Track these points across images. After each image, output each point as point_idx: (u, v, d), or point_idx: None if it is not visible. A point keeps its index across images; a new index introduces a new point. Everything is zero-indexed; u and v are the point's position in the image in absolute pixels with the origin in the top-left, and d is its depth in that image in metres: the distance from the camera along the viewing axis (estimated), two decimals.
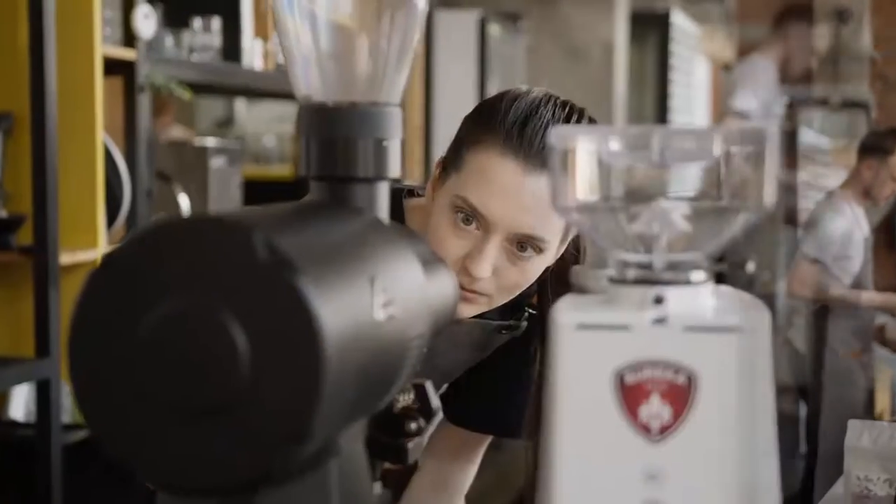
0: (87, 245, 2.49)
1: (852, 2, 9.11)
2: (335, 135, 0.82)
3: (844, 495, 1.94)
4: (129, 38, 2.64)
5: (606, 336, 0.70)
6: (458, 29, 4.89)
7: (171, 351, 0.62)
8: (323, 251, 0.67)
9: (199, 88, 3.12)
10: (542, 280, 1.33)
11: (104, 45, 2.53)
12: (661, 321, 0.69)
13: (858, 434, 1.98)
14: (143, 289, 0.63)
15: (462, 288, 1.26)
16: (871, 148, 4.35)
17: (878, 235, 9.62)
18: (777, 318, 5.27)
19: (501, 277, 1.27)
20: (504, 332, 1.41)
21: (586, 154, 0.72)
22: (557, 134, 0.72)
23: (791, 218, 4.86)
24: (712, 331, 0.69)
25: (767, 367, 0.70)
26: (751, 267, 4.36)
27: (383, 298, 0.71)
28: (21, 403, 2.57)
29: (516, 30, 5.02)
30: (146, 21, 2.62)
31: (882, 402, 4.54)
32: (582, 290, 0.78)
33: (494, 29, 4.78)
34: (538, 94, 1.29)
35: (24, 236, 2.39)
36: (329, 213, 0.77)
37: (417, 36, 0.86)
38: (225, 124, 5.09)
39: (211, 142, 3.14)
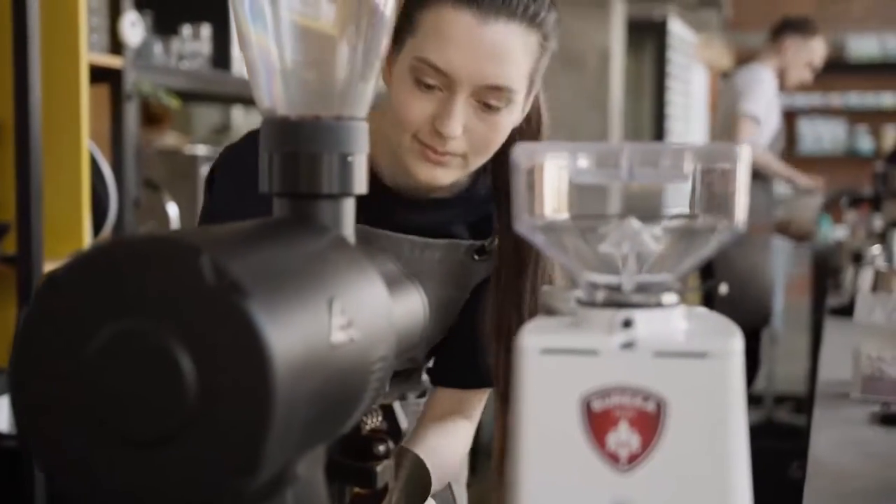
0: (73, 254, 2.46)
1: None
2: (299, 150, 0.79)
3: (853, 377, 1.84)
4: (117, 46, 2.62)
5: (573, 361, 0.67)
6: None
7: (116, 376, 0.60)
8: (277, 273, 0.65)
9: (188, 96, 3.09)
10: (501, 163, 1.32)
11: (91, 53, 2.51)
12: (629, 346, 0.67)
13: (869, 309, 1.87)
14: (89, 310, 0.61)
15: (434, 151, 1.25)
16: (789, 28, 4.50)
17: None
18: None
19: (472, 135, 1.25)
20: (477, 257, 1.39)
21: (553, 171, 0.70)
22: (522, 151, 0.70)
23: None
24: (682, 356, 0.66)
25: (739, 393, 0.68)
26: (723, 289, 4.39)
27: (342, 321, 0.68)
28: (5, 414, 2.55)
29: None
30: (133, 28, 2.60)
31: None
32: (551, 312, 0.76)
33: None
34: None
35: (9, 245, 2.36)
36: (290, 232, 0.74)
37: (384, 47, 0.84)
38: (221, 131, 5.07)
39: (202, 150, 3.12)
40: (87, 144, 2.46)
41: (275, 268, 0.65)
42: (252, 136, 1.35)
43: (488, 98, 1.23)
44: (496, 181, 1.37)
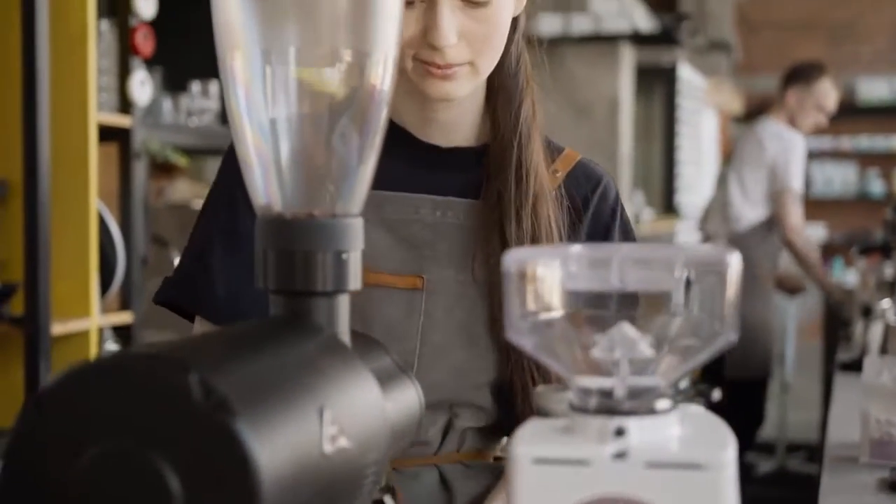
0: (80, 314, 2.47)
1: None
2: (294, 247, 0.79)
3: (862, 440, 1.81)
4: (126, 105, 2.64)
5: (565, 471, 0.67)
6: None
7: (104, 496, 0.60)
8: (266, 386, 0.65)
9: (197, 151, 3.11)
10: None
11: (100, 113, 2.53)
12: (621, 456, 0.66)
13: (877, 371, 1.84)
14: (76, 430, 0.61)
15: (437, 66, 1.18)
16: (794, 77, 4.51)
17: None
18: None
19: (470, 37, 1.18)
20: None
21: (543, 277, 0.70)
22: (513, 258, 0.70)
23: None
24: (675, 467, 0.66)
25: (733, 503, 0.67)
26: (716, 395, 4.48)
27: (333, 430, 0.68)
28: None
29: None
30: (142, 87, 2.61)
31: None
32: (544, 413, 0.75)
33: None
34: None
35: (16, 306, 2.37)
36: (281, 336, 0.74)
37: (378, 145, 0.84)
38: None
39: None
40: (95, 204, 2.48)
41: (264, 381, 0.65)
42: None
43: None
44: (489, 83, 1.28)
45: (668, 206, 7.31)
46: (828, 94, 4.55)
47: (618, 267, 0.69)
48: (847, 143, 9.96)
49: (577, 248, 0.72)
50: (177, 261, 2.97)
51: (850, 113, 9.88)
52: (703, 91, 8.19)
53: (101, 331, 2.61)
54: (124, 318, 2.68)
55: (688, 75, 7.53)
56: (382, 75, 0.82)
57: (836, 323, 4.69)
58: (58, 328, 2.40)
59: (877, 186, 9.95)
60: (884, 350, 2.83)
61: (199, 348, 0.65)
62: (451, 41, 1.16)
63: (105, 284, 2.56)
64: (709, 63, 9.04)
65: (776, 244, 4.46)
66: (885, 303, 3.11)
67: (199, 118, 2.98)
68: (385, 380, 0.80)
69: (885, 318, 2.99)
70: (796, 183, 4.36)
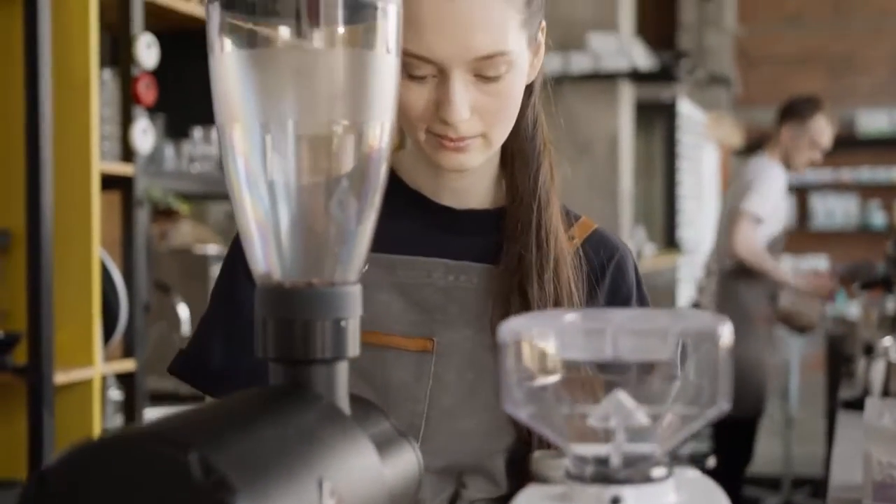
0: (83, 363, 2.48)
1: None
2: (293, 316, 0.80)
3: (864, 483, 1.80)
4: (128, 153, 2.66)
5: None
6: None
7: None
8: (266, 459, 0.65)
9: (200, 197, 3.13)
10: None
11: (102, 161, 2.54)
12: None
13: (878, 413, 1.83)
14: None
15: (450, 139, 1.17)
16: (788, 114, 4.50)
17: None
18: None
19: (483, 111, 1.16)
20: None
21: (538, 347, 0.71)
22: (508, 329, 0.71)
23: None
24: None
25: None
26: (711, 462, 4.55)
27: (332, 501, 0.69)
28: None
29: None
30: (144, 136, 2.63)
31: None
32: (541, 480, 0.76)
33: None
34: None
35: (19, 355, 2.38)
36: (280, 406, 0.75)
37: (376, 211, 0.85)
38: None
39: (213, 249, 3.14)
40: (98, 253, 2.49)
41: (263, 454, 0.66)
42: None
43: (485, 70, 1.14)
44: (504, 147, 1.27)
45: (669, 240, 7.32)
46: (823, 130, 4.54)
47: (612, 337, 0.70)
48: (848, 174, 9.99)
49: (571, 318, 0.73)
50: (180, 307, 2.98)
51: (851, 145, 9.92)
52: (704, 125, 8.22)
53: (103, 379, 2.62)
54: (127, 365, 2.68)
55: (688, 110, 7.56)
56: (379, 143, 0.84)
57: (839, 357, 4.68)
58: (61, 377, 2.40)
59: (878, 218, 9.97)
60: (886, 389, 2.83)
61: (199, 424, 0.66)
62: (464, 116, 1.15)
63: (108, 332, 2.57)
64: (709, 97, 9.09)
65: (770, 282, 4.46)
66: (887, 340, 3.11)
67: (200, 164, 3.00)
68: (384, 445, 0.81)
69: (887, 356, 2.98)
70: (753, 206, 4.34)
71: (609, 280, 1.29)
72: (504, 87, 1.15)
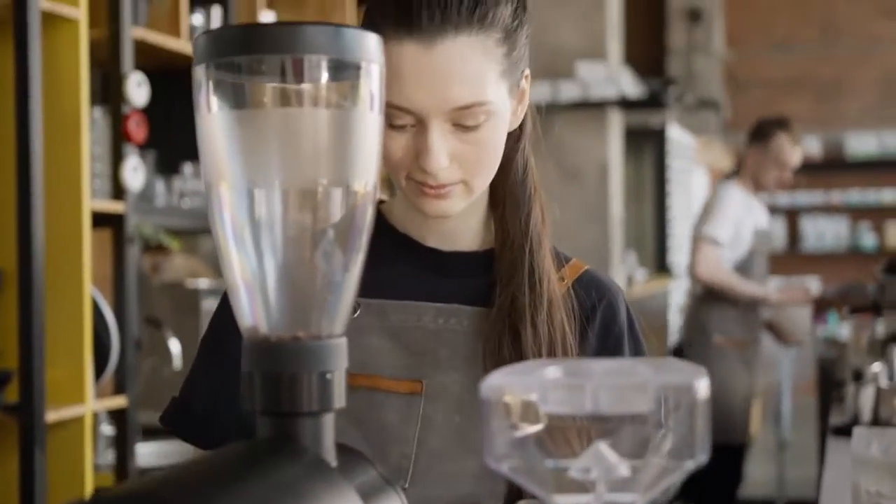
0: (75, 401, 2.48)
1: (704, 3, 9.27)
2: (280, 370, 0.82)
3: None
4: (119, 191, 2.67)
5: None
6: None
7: None
8: None
9: (191, 232, 3.14)
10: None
11: (93, 199, 2.56)
12: None
13: (866, 443, 1.84)
14: None
15: (430, 186, 1.18)
16: (753, 136, 4.51)
17: None
18: None
19: (462, 159, 1.17)
20: None
21: (520, 402, 0.72)
22: (490, 384, 0.72)
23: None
24: None
25: None
26: None
27: None
28: None
29: None
30: (135, 174, 2.65)
31: (756, 422, 4.64)
32: None
33: None
34: None
35: (10, 394, 2.38)
36: (265, 460, 0.76)
37: (360, 265, 0.87)
38: None
39: (204, 283, 3.15)
40: (89, 291, 2.50)
41: None
42: None
43: (464, 119, 1.15)
44: (491, 194, 1.29)
45: (660, 265, 7.35)
46: (783, 148, 4.47)
47: (592, 391, 0.72)
48: (838, 197, 10.04)
49: (552, 372, 0.74)
50: (171, 341, 2.99)
51: (840, 168, 9.98)
52: (693, 150, 8.26)
53: (95, 416, 2.62)
54: (119, 402, 2.69)
55: (677, 135, 7.60)
56: (364, 199, 0.85)
57: (830, 381, 4.69)
58: (52, 415, 2.40)
59: (868, 240, 10.02)
60: (876, 416, 2.84)
61: (184, 482, 0.67)
62: (443, 164, 1.16)
63: (99, 369, 2.58)
64: (698, 121, 9.13)
65: (743, 304, 4.43)
66: (876, 366, 3.12)
67: (191, 199, 3.01)
68: (370, 495, 0.82)
69: (876, 382, 2.99)
70: (710, 229, 4.34)
71: (599, 321, 1.30)
72: (483, 135, 1.17)
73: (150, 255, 3.41)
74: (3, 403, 2.37)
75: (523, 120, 1.28)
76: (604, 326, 1.30)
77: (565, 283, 1.29)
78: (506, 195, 1.29)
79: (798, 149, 4.54)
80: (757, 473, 6.67)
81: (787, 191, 4.64)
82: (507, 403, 0.72)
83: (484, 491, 1.24)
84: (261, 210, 0.83)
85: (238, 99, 0.83)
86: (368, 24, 1.17)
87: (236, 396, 1.03)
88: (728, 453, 4.44)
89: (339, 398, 0.83)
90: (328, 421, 0.83)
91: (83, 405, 2.50)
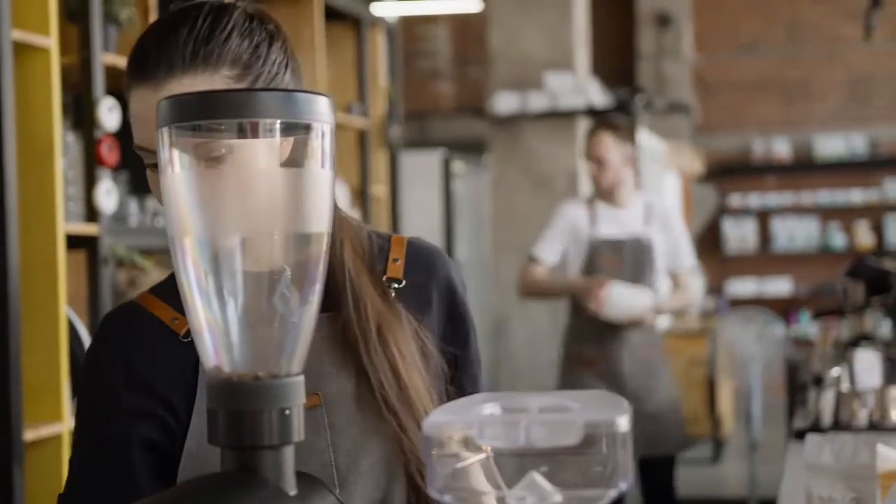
0: (51, 419, 2.54)
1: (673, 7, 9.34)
2: (241, 407, 0.89)
3: None
4: (92, 213, 2.72)
5: None
6: (424, 167, 5.03)
7: None
8: None
9: (165, 251, 3.20)
10: None
11: (67, 222, 2.61)
12: None
13: (819, 449, 1.90)
14: None
15: None
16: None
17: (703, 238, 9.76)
18: None
19: None
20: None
21: (460, 439, 0.79)
22: (431, 423, 0.79)
23: None
24: None
25: None
26: None
27: None
28: None
29: (480, 164, 5.14)
30: (108, 196, 2.71)
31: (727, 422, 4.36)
32: None
33: (459, 165, 4.89)
34: (166, 13, 1.27)
35: None
36: (228, 493, 0.83)
37: (316, 305, 0.93)
38: None
39: None
40: (64, 312, 2.55)
41: None
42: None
43: (207, 154, 1.13)
44: None
45: None
46: (585, 139, 4.21)
47: (525, 427, 0.79)
48: (808, 198, 10.17)
49: (489, 411, 0.81)
50: None
51: (809, 169, 10.12)
52: (664, 154, 8.35)
53: (71, 433, 2.67)
54: None
55: (647, 141, 7.69)
56: (318, 245, 0.92)
57: (797, 380, 4.75)
58: (30, 434, 2.46)
59: (838, 240, 10.15)
60: (836, 420, 2.91)
61: None
62: None
63: (75, 388, 2.63)
64: (669, 125, 9.24)
65: (581, 323, 4.16)
66: (836, 370, 3.19)
67: (164, 218, 3.07)
68: None
69: (837, 386, 3.06)
70: (534, 248, 4.15)
71: (438, 292, 1.35)
72: (231, 169, 1.21)
73: (126, 271, 3.46)
74: None
75: None
76: (446, 298, 1.36)
77: (399, 265, 1.34)
78: None
79: (591, 139, 4.13)
80: (729, 473, 6.76)
81: (608, 185, 4.07)
82: (446, 439, 0.79)
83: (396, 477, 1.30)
84: (221, 259, 0.90)
85: (198, 159, 0.90)
86: (125, 80, 1.24)
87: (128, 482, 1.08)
88: (663, 465, 4.36)
89: (298, 431, 0.90)
90: (288, 453, 0.90)
91: (61, 423, 2.55)
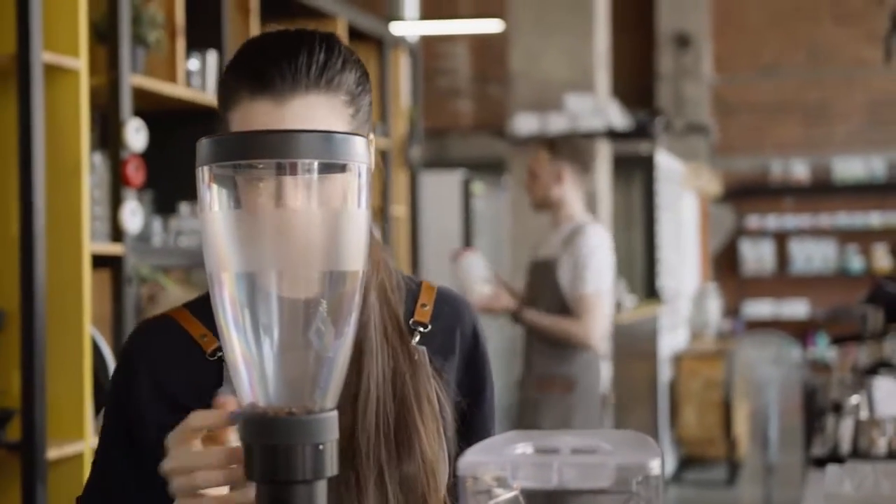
0: (74, 437, 2.56)
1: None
2: (276, 442, 0.90)
3: None
4: (118, 233, 2.75)
5: None
6: (444, 187, 5.05)
7: None
8: None
9: (187, 268, 3.22)
10: None
11: (93, 242, 2.64)
12: None
13: (839, 480, 1.90)
14: None
15: None
16: None
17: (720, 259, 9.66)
18: None
19: None
20: None
21: (494, 480, 0.81)
22: (465, 463, 0.80)
23: None
24: None
25: None
26: None
27: None
28: None
29: (499, 185, 5.14)
30: (133, 217, 2.73)
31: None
32: None
33: (478, 187, 4.91)
34: (270, 31, 1.28)
35: (12, 432, 2.46)
36: None
37: (350, 340, 0.95)
38: None
39: None
40: (89, 331, 2.58)
41: None
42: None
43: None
44: None
45: (650, 291, 7.42)
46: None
47: (558, 468, 0.80)
48: (826, 220, 10.14)
49: (521, 450, 0.82)
50: None
51: (828, 191, 10.09)
52: (682, 175, 8.35)
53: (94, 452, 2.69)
54: None
55: (665, 162, 7.70)
56: (353, 281, 0.94)
57: (815, 405, 4.72)
58: (53, 452, 2.48)
59: (856, 262, 10.11)
60: (854, 448, 2.91)
61: None
62: None
63: (99, 406, 2.65)
64: (687, 146, 9.23)
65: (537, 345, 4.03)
66: (855, 398, 3.18)
67: (188, 238, 3.09)
68: None
69: (855, 414, 3.05)
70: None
71: (461, 341, 1.36)
72: (336, 187, 1.24)
73: (147, 287, 3.48)
74: (6, 441, 2.44)
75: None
76: (468, 348, 1.37)
77: (426, 310, 1.35)
78: None
79: (533, 155, 4.15)
80: (745, 496, 6.74)
81: (537, 199, 4.01)
82: (480, 480, 0.80)
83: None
84: (257, 295, 0.91)
85: (237, 198, 0.91)
86: (223, 87, 1.24)
87: (153, 484, 1.09)
88: None
89: (332, 466, 0.91)
90: (321, 487, 0.91)
91: (83, 441, 2.57)
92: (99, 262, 2.70)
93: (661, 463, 0.79)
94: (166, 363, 1.29)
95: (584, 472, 0.80)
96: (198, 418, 1.00)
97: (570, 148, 4.09)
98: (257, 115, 1.20)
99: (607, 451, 0.82)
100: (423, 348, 1.31)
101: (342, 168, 0.91)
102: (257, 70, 1.21)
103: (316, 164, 0.90)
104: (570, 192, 4.03)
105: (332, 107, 1.23)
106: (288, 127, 1.19)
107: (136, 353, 1.31)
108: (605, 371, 4.14)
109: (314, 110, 1.22)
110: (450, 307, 1.37)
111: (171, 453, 1.02)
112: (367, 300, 1.29)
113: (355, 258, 0.92)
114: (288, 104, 1.20)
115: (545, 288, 3.98)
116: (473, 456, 0.82)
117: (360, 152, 0.92)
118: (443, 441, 1.28)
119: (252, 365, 0.92)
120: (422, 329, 1.32)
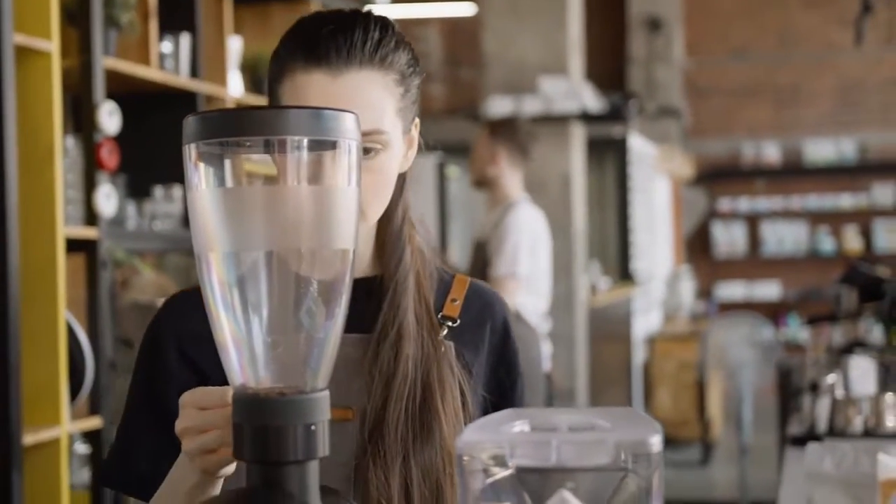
0: (50, 422, 2.53)
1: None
2: (267, 423, 0.89)
3: None
4: (92, 217, 2.72)
5: None
6: (418, 171, 5.01)
7: None
8: None
9: (162, 253, 3.20)
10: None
11: (67, 226, 2.61)
12: None
13: (819, 458, 1.91)
14: None
15: None
16: None
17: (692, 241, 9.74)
18: None
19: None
20: None
21: (491, 457, 0.80)
22: (464, 442, 0.79)
23: None
24: None
25: None
26: None
27: None
28: None
29: None
30: (107, 200, 2.70)
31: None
32: None
33: (453, 170, 4.89)
34: (320, 9, 1.30)
35: None
36: None
37: (341, 320, 0.93)
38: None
39: None
40: (63, 315, 2.55)
41: None
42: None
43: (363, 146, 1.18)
44: (378, 236, 1.33)
45: (623, 273, 7.45)
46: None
47: (556, 446, 0.79)
48: (797, 202, 10.20)
49: (518, 429, 0.81)
50: None
51: (798, 174, 10.15)
52: (655, 158, 8.37)
53: (70, 437, 2.67)
54: (94, 422, 2.74)
55: (638, 145, 7.71)
56: (343, 260, 0.92)
57: (789, 385, 4.74)
58: (29, 438, 2.45)
59: (827, 244, 10.18)
60: (831, 427, 2.92)
61: None
62: None
63: (74, 391, 2.63)
64: (660, 129, 9.25)
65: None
66: (831, 377, 3.19)
67: (162, 222, 3.07)
68: None
69: (832, 392, 3.07)
70: None
71: (491, 335, 1.37)
72: (378, 163, 1.24)
73: (122, 271, 3.45)
74: None
75: (406, 171, 1.34)
76: (498, 343, 1.37)
77: (457, 305, 1.35)
78: (385, 237, 1.33)
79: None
80: (719, 476, 6.78)
81: (475, 177, 4.09)
82: (478, 459, 0.79)
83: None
84: (247, 275, 0.90)
85: (224, 176, 0.90)
86: (276, 60, 1.26)
87: (178, 450, 1.08)
88: None
89: (323, 447, 0.90)
90: (313, 468, 0.90)
91: (59, 427, 2.55)
92: (73, 246, 2.67)
93: (660, 439, 0.78)
94: (194, 335, 1.27)
95: (583, 449, 0.79)
96: (216, 394, 1.00)
97: (507, 130, 4.15)
98: (311, 86, 1.22)
99: (605, 429, 0.81)
100: (451, 343, 1.31)
101: (332, 145, 0.90)
102: (313, 43, 1.22)
103: (305, 140, 0.88)
104: (505, 173, 4.09)
105: (385, 84, 1.25)
106: (341, 101, 1.20)
107: (165, 322, 1.31)
108: (546, 350, 4.11)
109: (366, 86, 1.23)
110: (481, 301, 1.37)
111: (184, 412, 1.03)
112: (405, 284, 1.30)
113: (346, 237, 0.91)
114: (342, 78, 1.22)
115: (477, 269, 4.01)
116: (471, 434, 0.81)
117: (351, 129, 0.90)
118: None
119: (242, 346, 0.91)
120: (450, 324, 1.32)
